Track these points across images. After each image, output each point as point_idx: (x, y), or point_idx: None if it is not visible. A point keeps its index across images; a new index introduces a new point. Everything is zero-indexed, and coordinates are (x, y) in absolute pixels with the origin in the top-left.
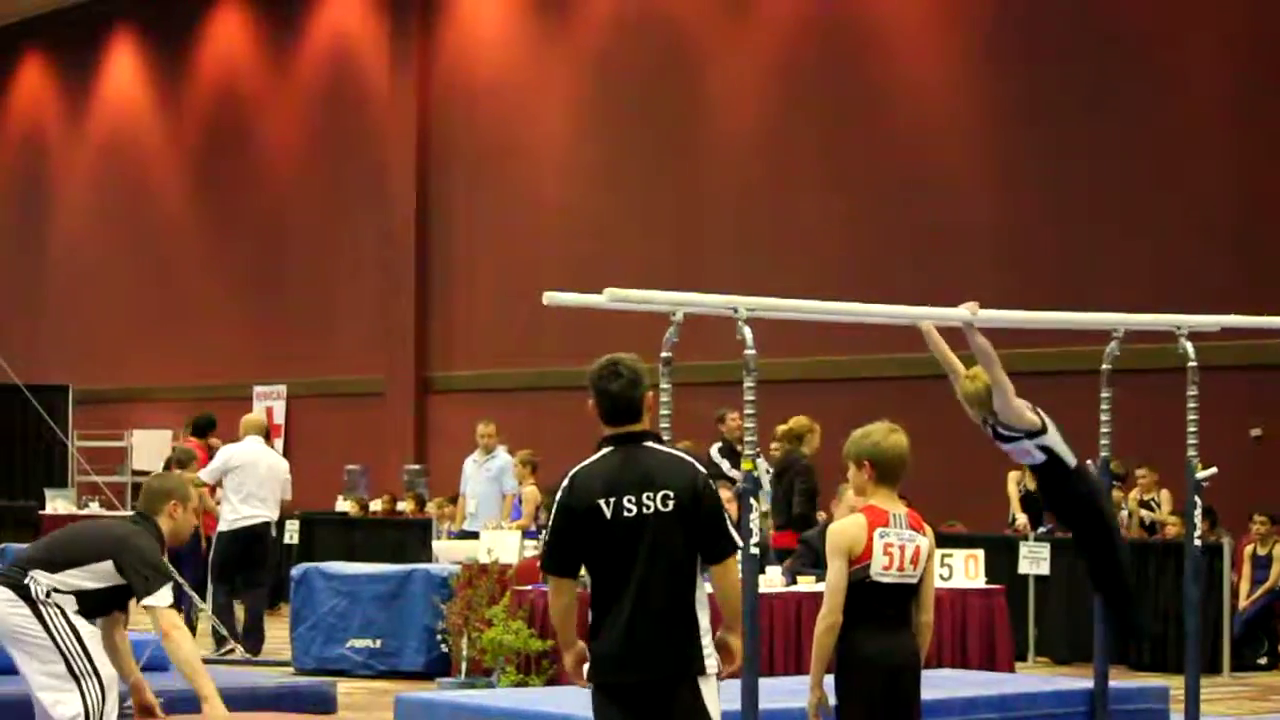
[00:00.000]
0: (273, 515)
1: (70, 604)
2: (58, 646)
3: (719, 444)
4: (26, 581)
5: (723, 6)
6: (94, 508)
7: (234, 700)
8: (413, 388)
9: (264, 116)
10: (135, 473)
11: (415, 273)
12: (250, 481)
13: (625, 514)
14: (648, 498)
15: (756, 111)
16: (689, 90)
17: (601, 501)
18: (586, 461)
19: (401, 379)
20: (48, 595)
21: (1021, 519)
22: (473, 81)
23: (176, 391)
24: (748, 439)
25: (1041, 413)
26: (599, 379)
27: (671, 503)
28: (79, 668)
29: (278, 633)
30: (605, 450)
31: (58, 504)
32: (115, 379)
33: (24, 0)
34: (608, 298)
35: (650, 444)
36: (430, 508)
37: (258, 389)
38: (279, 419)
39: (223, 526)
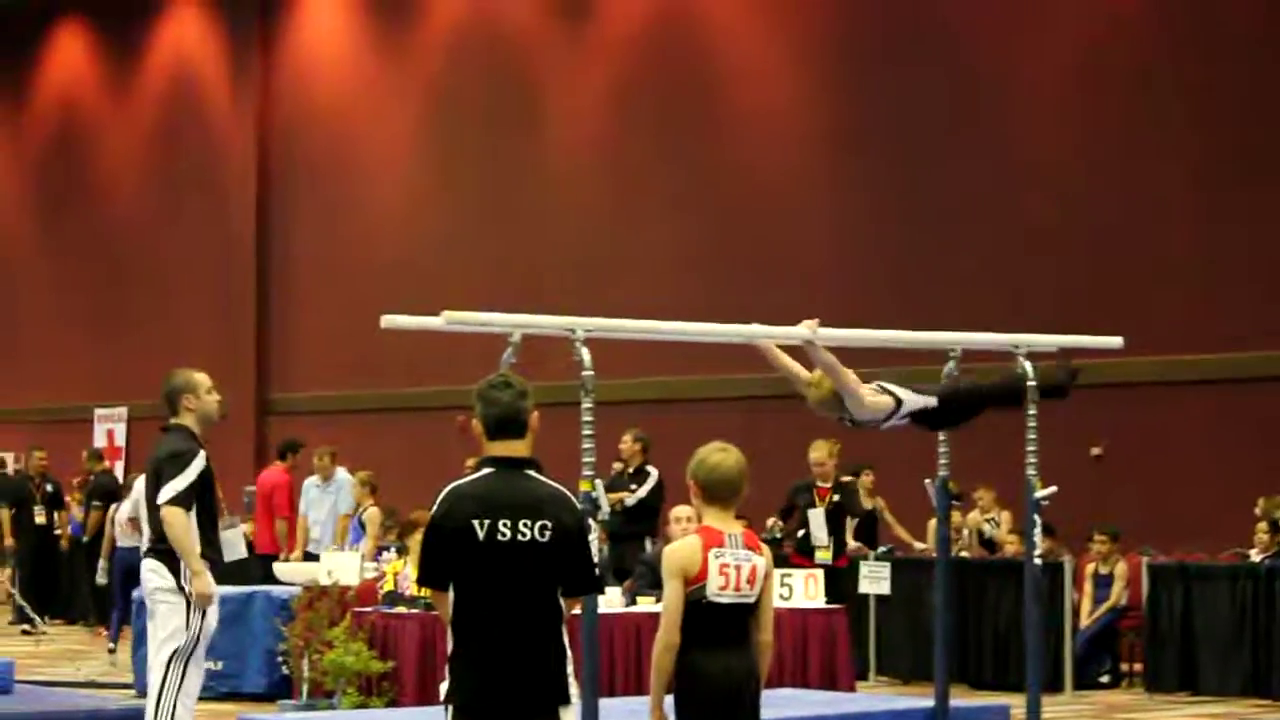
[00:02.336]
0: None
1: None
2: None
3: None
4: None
5: (562, 28)
6: None
7: None
8: (253, 409)
9: (105, 136)
10: None
11: (255, 294)
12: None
13: (499, 537)
14: (524, 525)
15: (596, 131)
16: (528, 109)
17: (475, 521)
18: (464, 479)
19: (241, 401)
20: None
21: (854, 544)
22: (312, 101)
23: (16, 414)
24: (585, 460)
25: (889, 386)
26: (488, 389)
27: (549, 533)
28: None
29: (120, 655)
30: (485, 471)
31: None
32: None
33: None
34: (445, 320)
35: (532, 472)
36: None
37: (99, 411)
38: (120, 441)
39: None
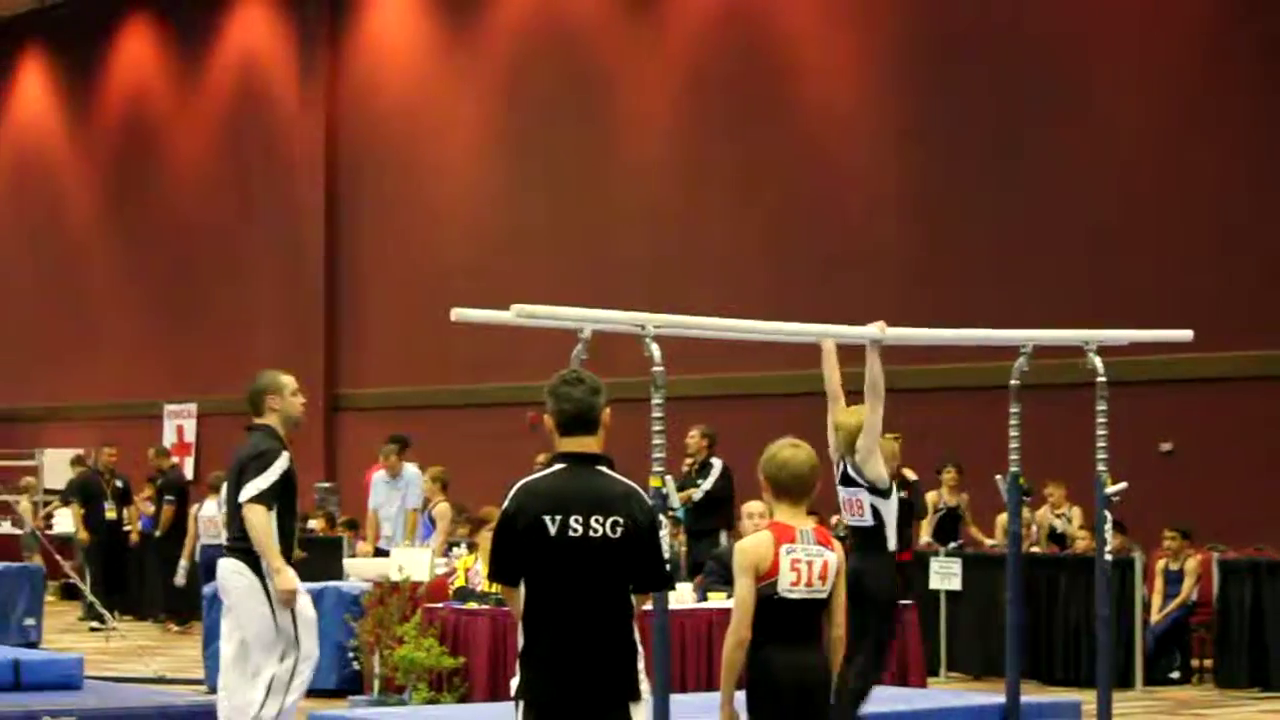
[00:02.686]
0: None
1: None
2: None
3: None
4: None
5: (633, 24)
6: (5, 527)
7: (146, 719)
8: (322, 405)
9: (174, 134)
10: (47, 491)
11: (324, 290)
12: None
13: (571, 533)
14: (596, 521)
15: (667, 129)
16: (599, 107)
17: (547, 517)
18: (536, 475)
19: (311, 396)
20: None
21: (926, 540)
22: (381, 97)
23: (87, 410)
24: (656, 455)
25: (894, 482)
26: (560, 385)
27: (620, 530)
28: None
29: (190, 651)
30: (557, 467)
31: None
32: (25, 398)
33: None
34: (515, 314)
35: (603, 468)
36: (340, 525)
37: (168, 407)
38: (190, 437)
39: None
